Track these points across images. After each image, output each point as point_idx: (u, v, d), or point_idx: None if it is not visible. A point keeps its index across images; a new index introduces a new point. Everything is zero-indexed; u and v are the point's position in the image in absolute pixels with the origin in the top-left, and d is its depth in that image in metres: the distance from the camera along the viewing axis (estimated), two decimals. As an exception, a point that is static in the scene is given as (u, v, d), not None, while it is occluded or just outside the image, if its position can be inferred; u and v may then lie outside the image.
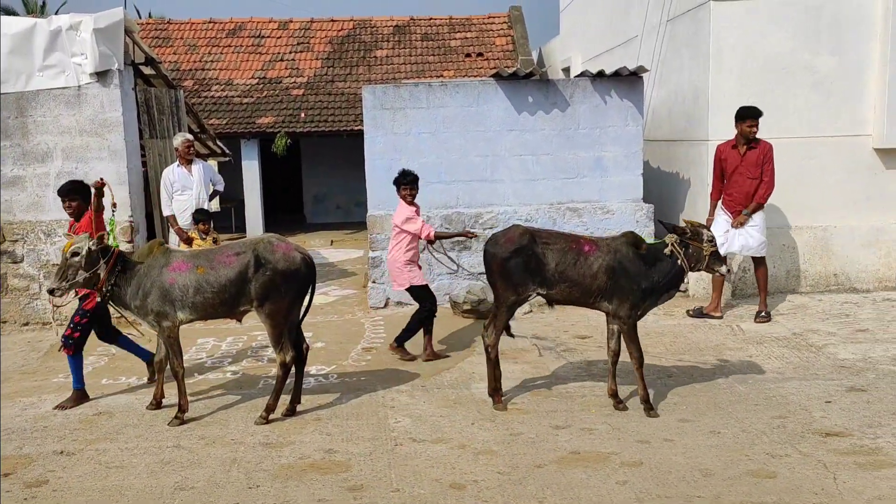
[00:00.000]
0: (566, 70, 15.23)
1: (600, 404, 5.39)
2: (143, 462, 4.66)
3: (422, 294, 6.71)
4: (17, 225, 8.19)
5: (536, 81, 8.58)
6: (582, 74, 8.89)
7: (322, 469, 4.49)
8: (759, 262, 7.63)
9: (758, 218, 7.49)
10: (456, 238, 7.50)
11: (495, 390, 5.40)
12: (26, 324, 8.25)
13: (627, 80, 8.58)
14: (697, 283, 8.49)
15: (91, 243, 5.06)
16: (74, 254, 5.04)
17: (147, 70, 9.12)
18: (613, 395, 5.38)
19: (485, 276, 5.56)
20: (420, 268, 6.79)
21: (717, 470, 4.33)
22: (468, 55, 17.44)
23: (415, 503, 4.05)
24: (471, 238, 7.32)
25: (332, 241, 14.92)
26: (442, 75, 16.23)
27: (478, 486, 4.23)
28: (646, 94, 9.12)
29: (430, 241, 6.67)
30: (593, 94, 8.58)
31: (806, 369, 6.06)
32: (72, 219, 5.82)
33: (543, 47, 18.36)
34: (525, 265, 5.15)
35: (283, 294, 5.15)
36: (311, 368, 6.42)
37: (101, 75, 8.00)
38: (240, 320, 5.45)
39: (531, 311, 8.27)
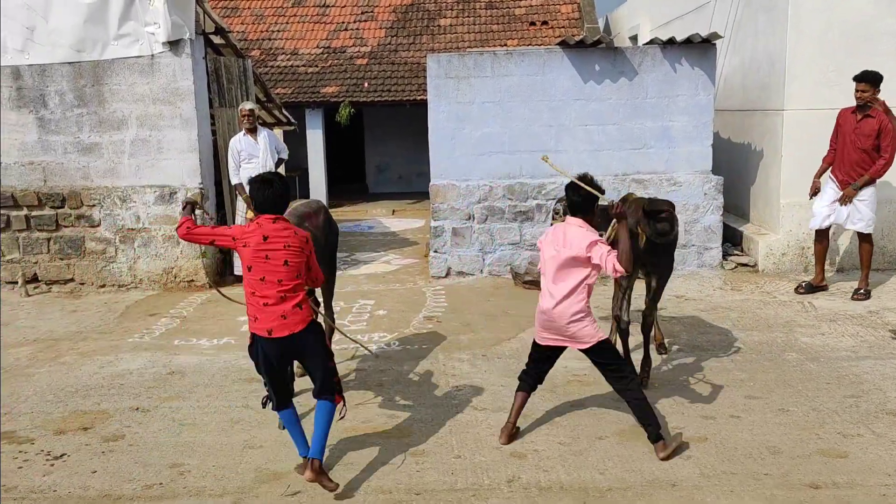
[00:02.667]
0: (633, 38, 14.84)
1: (664, 379, 5.31)
2: (214, 420, 4.82)
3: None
4: (94, 190, 8.49)
5: (604, 49, 8.39)
6: (651, 42, 8.65)
7: (384, 433, 4.57)
8: (864, 237, 7.33)
9: (867, 192, 7.16)
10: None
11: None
12: (103, 286, 8.58)
13: (699, 48, 8.31)
14: (767, 258, 8.26)
15: None
16: None
17: (217, 39, 9.26)
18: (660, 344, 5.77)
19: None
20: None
21: (785, 448, 4.23)
22: (532, 23, 17.15)
23: (476, 470, 4.09)
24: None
25: (393, 211, 15.01)
26: (506, 44, 16.02)
27: (538, 455, 4.24)
28: (718, 62, 8.82)
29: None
30: (662, 62, 8.34)
31: (881, 348, 5.84)
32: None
33: (610, 14, 17.91)
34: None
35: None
36: (373, 335, 6.52)
37: (174, 44, 8.16)
38: None
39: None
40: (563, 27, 16.71)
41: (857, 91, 7.06)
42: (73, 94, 8.38)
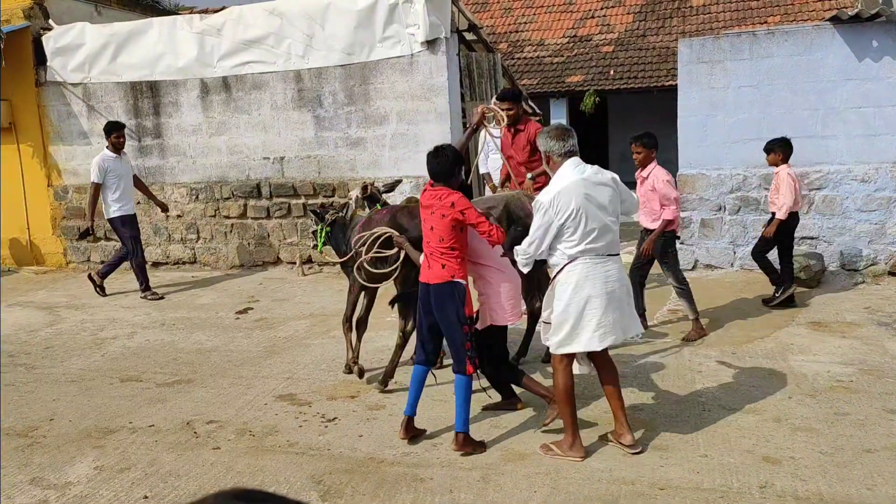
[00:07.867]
0: (922, 6, 13.09)
1: None
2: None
3: None
4: (360, 181, 9.29)
5: (884, 23, 7.53)
6: (945, 10, 7.61)
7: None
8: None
9: None
10: None
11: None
12: (364, 268, 9.41)
13: None
14: None
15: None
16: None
17: (469, 35, 9.69)
18: None
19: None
20: None
21: None
22: (798, -3, 15.80)
23: (724, 471, 3.95)
24: None
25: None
26: (766, 22, 14.92)
27: (795, 462, 3.99)
28: None
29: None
30: (959, 33, 7.31)
31: None
32: None
33: (893, -19, 15.94)
34: None
35: None
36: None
37: (430, 43, 8.69)
38: None
39: (864, 281, 7.46)
40: (833, -1, 15.22)
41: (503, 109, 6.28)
42: (343, 93, 9.25)
